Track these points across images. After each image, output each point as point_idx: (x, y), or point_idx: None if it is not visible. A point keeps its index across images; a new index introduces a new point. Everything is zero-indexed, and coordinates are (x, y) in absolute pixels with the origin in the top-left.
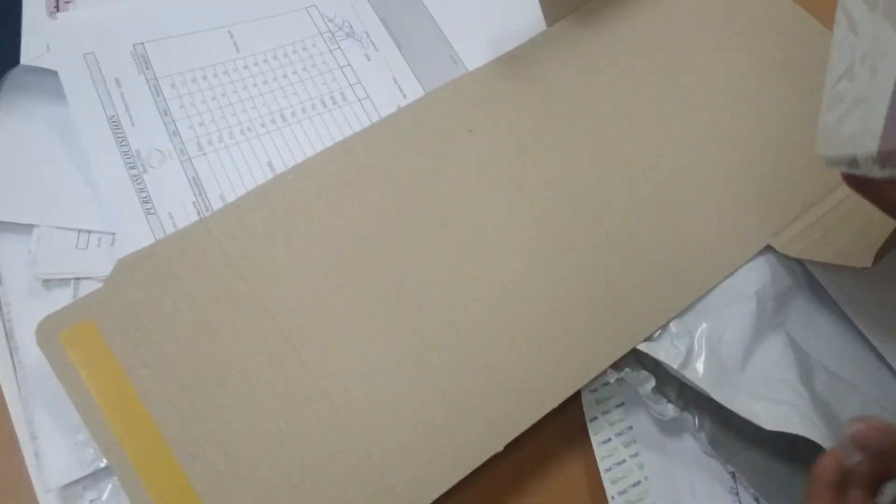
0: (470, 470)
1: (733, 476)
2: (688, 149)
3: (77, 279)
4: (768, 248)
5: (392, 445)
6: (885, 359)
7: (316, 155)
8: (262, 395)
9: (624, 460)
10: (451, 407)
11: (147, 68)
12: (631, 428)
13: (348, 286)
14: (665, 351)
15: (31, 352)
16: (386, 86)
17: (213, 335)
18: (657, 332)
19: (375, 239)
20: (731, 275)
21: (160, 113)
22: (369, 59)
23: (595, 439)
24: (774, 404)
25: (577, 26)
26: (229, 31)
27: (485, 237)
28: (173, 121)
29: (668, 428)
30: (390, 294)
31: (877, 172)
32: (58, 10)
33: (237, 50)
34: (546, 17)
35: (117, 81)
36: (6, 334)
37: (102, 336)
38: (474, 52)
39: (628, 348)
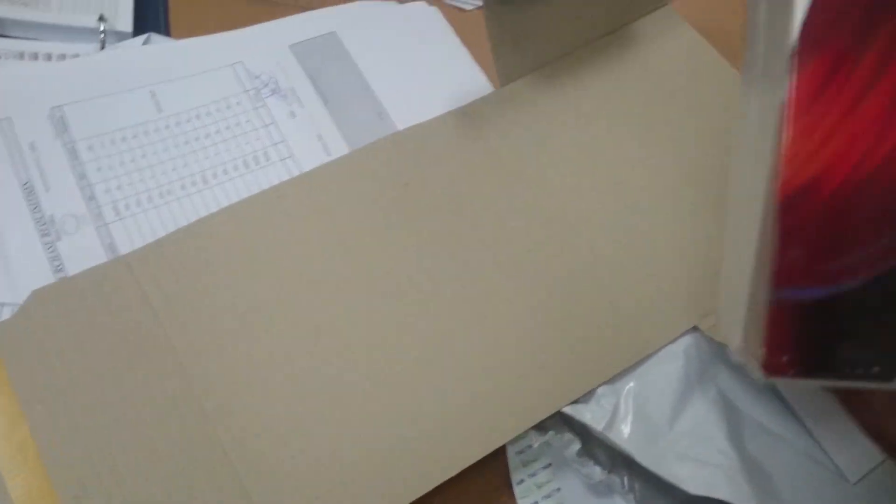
0: None
1: None
2: (631, 220)
3: None
4: None
5: (287, 502)
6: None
7: (246, 198)
8: (154, 440)
9: None
10: (363, 460)
11: (64, 131)
12: (559, 490)
13: (265, 336)
14: (591, 412)
15: None
16: (310, 144)
17: (114, 375)
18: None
19: (299, 288)
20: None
21: (76, 177)
22: (294, 116)
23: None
24: (701, 466)
25: (530, 88)
26: (151, 91)
27: (415, 292)
28: (90, 185)
29: (598, 490)
30: (308, 346)
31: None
32: None
33: (159, 110)
34: (500, 76)
35: (32, 146)
36: None
37: (4, 366)
38: (403, 107)
39: (552, 411)
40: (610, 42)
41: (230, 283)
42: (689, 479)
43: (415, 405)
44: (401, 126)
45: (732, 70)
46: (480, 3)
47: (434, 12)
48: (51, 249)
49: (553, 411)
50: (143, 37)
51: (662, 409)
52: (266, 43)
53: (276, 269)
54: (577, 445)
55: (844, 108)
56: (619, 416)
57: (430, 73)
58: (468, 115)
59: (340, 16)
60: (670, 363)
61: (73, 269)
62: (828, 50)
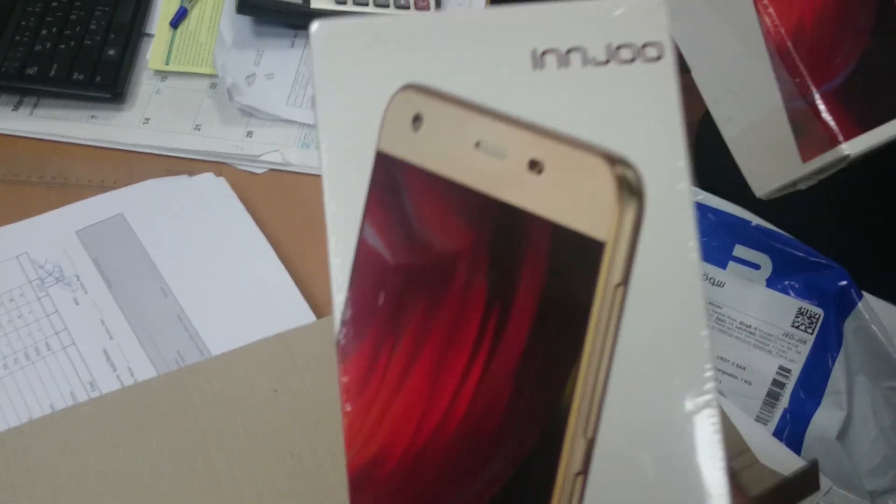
0: None
1: None
2: None
3: None
4: None
5: None
6: None
7: (113, 392)
8: None
9: None
10: None
11: None
12: None
13: None
14: None
15: None
16: (93, 329)
17: None
18: None
19: (152, 495)
20: None
21: None
22: (78, 304)
23: None
24: None
25: None
26: None
27: None
28: None
29: None
30: None
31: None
32: None
33: None
34: None
35: None
36: None
37: None
38: (188, 284)
39: None
40: None
41: (80, 479)
42: None
43: None
44: (184, 303)
45: None
46: (272, 167)
47: (221, 183)
48: None
49: None
50: None
51: None
52: (53, 230)
53: (129, 471)
54: None
55: (391, 388)
56: None
57: (214, 245)
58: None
59: (129, 196)
60: None
61: None
62: (368, 336)
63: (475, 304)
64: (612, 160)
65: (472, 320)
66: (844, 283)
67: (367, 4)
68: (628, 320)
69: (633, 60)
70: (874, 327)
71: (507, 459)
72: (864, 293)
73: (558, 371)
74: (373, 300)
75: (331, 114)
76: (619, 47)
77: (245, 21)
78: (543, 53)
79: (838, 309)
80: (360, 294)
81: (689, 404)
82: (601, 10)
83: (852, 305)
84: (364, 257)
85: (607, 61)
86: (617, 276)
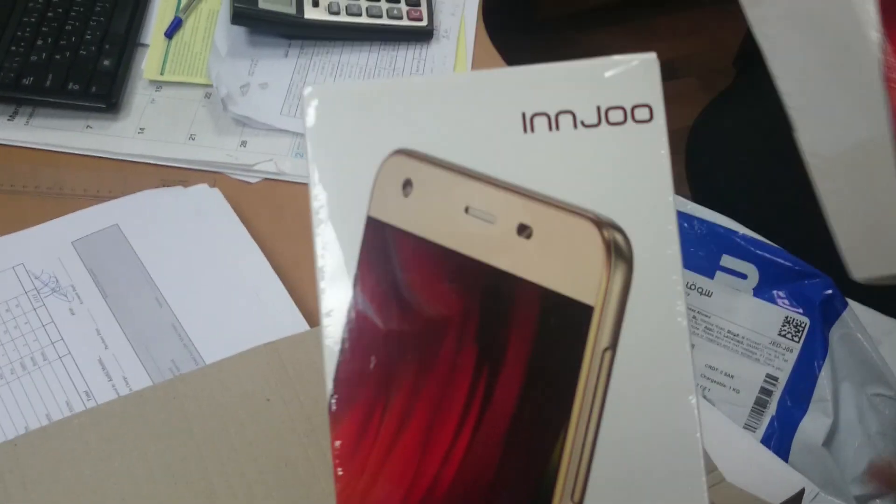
0: None
1: None
2: None
3: None
4: None
5: None
6: None
7: (108, 402)
8: None
9: None
10: None
11: None
12: None
13: None
14: None
15: None
16: (88, 340)
17: None
18: None
19: (142, 501)
20: None
21: None
22: (73, 314)
23: None
24: None
25: None
26: None
27: None
28: None
29: None
30: None
31: None
32: None
33: None
34: None
35: None
36: None
37: None
38: (183, 294)
39: None
40: None
41: (75, 490)
42: None
43: None
44: (178, 313)
45: None
46: (266, 176)
47: (215, 193)
48: None
49: None
50: None
51: None
52: (48, 241)
53: (124, 482)
54: None
55: (383, 450)
56: None
57: (209, 255)
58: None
59: (124, 207)
60: None
61: None
62: (360, 400)
63: (465, 369)
64: (601, 224)
65: (461, 384)
66: (830, 291)
67: (359, 15)
68: (616, 384)
69: (623, 122)
70: (859, 335)
71: None
72: (850, 301)
73: (547, 435)
74: (364, 365)
75: (322, 177)
76: (609, 109)
77: (239, 31)
78: (533, 116)
79: (824, 317)
80: (352, 359)
81: (680, 468)
82: (592, 71)
83: (838, 314)
84: (355, 323)
85: (598, 123)
86: (605, 341)
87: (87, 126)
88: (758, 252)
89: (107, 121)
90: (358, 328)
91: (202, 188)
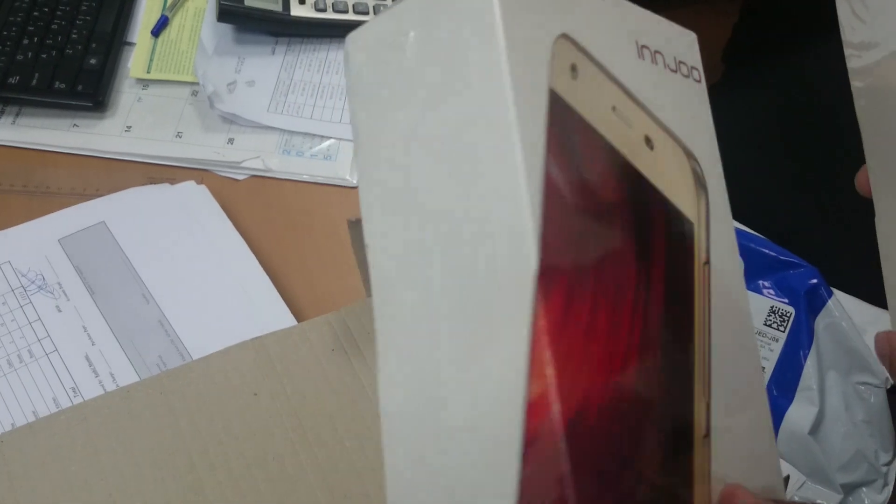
0: None
1: None
2: None
3: None
4: None
5: None
6: None
7: (94, 398)
8: None
9: None
10: None
11: None
12: None
13: None
14: None
15: None
16: (75, 337)
17: None
18: None
19: (135, 502)
20: None
21: None
22: (60, 311)
23: None
24: None
25: None
26: None
27: None
28: None
29: None
30: None
31: None
32: None
33: None
34: (365, 286)
35: None
36: None
37: None
38: (168, 290)
39: None
40: None
41: (62, 487)
42: None
43: None
44: (165, 309)
45: None
46: (253, 173)
47: (202, 191)
48: None
49: None
50: None
51: None
52: (35, 238)
53: (112, 477)
54: None
55: (583, 332)
56: None
57: (196, 251)
58: (329, 324)
59: (111, 204)
60: None
61: None
62: (562, 274)
63: (629, 259)
64: (689, 155)
65: (630, 275)
66: (815, 281)
67: (346, 11)
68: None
69: (687, 77)
70: (844, 324)
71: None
72: (835, 290)
73: (683, 339)
74: (563, 235)
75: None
76: (680, 63)
77: (226, 29)
78: (643, 47)
79: (809, 307)
80: (548, 226)
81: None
82: (676, 31)
83: (823, 303)
84: (550, 191)
85: (675, 70)
86: (703, 255)
87: (74, 125)
88: (743, 242)
89: (93, 119)
90: (553, 199)
91: (189, 185)
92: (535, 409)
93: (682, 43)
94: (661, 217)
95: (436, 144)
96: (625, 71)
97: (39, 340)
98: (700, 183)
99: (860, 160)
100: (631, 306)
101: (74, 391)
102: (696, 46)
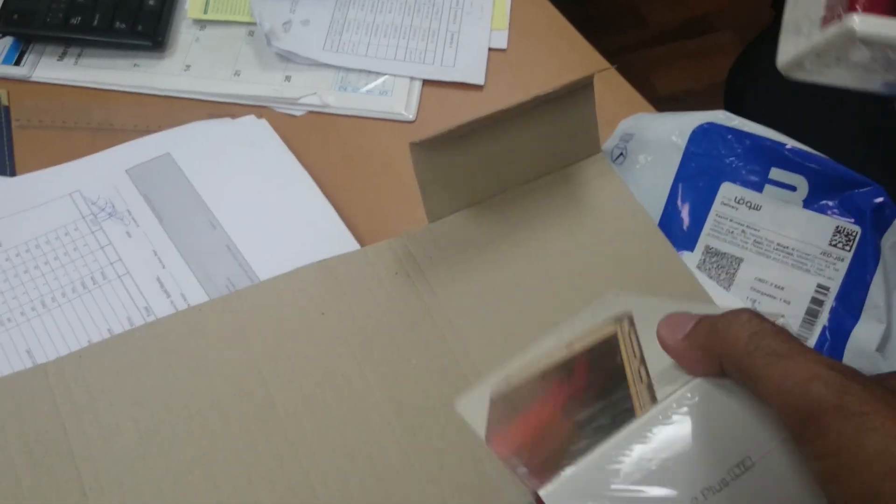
0: None
1: None
2: None
3: None
4: None
5: None
6: None
7: (168, 316)
8: None
9: None
10: None
11: None
12: None
13: (173, 460)
14: None
15: None
16: (146, 260)
17: (13, 486)
18: None
19: (209, 414)
20: None
21: None
22: (130, 236)
23: None
24: None
25: (456, 227)
26: None
27: (315, 426)
28: None
29: None
30: (215, 475)
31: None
32: None
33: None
34: (428, 212)
35: None
36: None
37: None
38: (235, 216)
39: None
40: (542, 185)
41: (142, 402)
42: None
43: None
44: (232, 234)
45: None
46: (310, 109)
47: (263, 124)
48: None
49: None
50: None
51: None
52: (103, 169)
53: (188, 392)
54: None
55: None
56: None
57: (259, 180)
58: (394, 250)
59: (174, 137)
60: None
61: None
62: None
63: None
64: None
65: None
66: (881, 199)
67: None
68: None
69: None
70: None
71: None
72: None
73: None
74: None
75: None
76: None
77: None
78: None
79: (875, 225)
80: None
81: None
82: None
83: (889, 221)
84: None
85: None
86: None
87: (135, 64)
88: (807, 163)
89: (153, 59)
90: None
91: (250, 119)
92: None
93: None
94: None
95: None
96: None
97: (112, 263)
98: None
99: None
100: None
101: (147, 311)
102: None
